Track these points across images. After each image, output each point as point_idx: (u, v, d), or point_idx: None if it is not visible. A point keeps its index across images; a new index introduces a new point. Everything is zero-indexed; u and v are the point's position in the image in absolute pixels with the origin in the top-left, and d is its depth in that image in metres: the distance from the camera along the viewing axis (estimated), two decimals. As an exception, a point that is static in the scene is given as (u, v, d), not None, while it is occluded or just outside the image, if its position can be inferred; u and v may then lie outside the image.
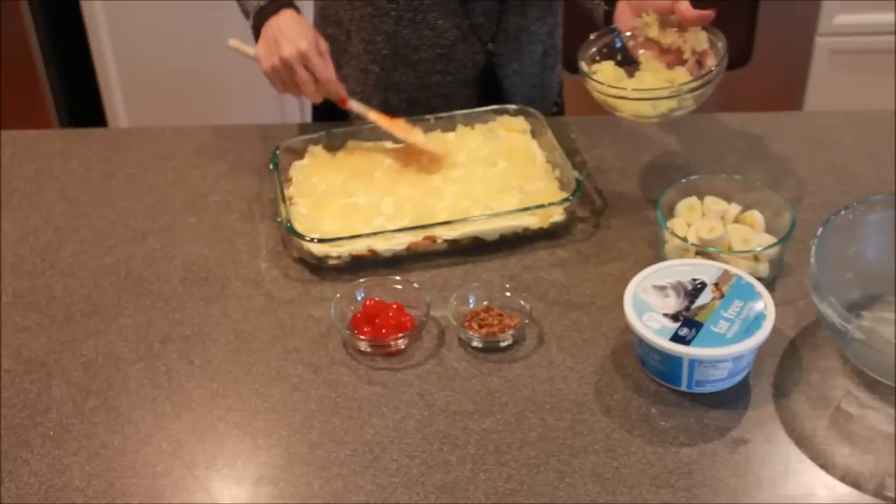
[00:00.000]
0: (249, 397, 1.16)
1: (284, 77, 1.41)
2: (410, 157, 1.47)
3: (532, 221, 1.36)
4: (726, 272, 1.18)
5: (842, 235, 1.21)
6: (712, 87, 1.32)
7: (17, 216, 1.44)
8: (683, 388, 1.14)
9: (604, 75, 1.35)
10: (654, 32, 1.38)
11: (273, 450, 1.10)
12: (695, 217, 1.32)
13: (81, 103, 2.77)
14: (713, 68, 1.31)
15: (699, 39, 1.36)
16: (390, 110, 1.59)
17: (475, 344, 1.21)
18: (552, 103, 1.72)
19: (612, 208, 1.42)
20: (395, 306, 1.23)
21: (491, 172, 1.44)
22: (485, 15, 1.54)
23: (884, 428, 1.10)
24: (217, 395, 1.16)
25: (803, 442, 1.09)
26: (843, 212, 1.22)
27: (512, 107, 1.54)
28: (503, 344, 1.21)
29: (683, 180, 1.35)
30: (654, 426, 1.11)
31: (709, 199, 1.34)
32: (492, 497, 1.04)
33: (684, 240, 1.26)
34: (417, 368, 1.19)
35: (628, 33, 1.39)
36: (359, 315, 1.24)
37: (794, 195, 1.43)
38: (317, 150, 1.49)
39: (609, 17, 1.43)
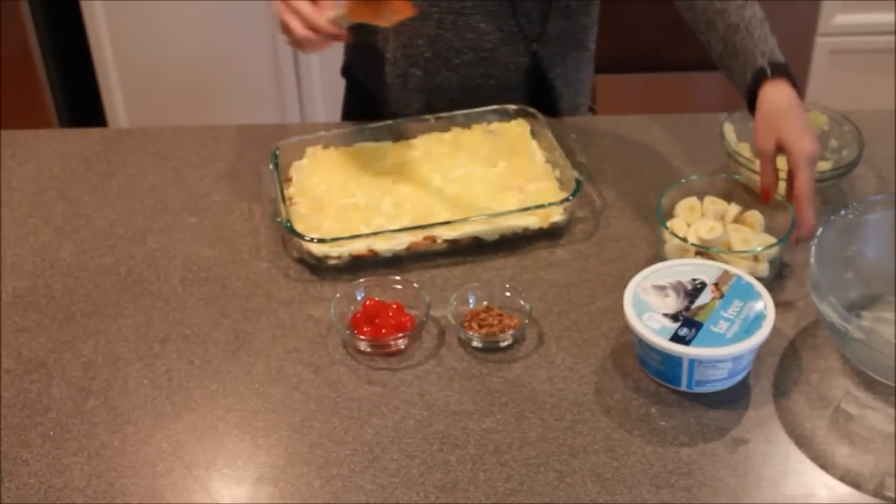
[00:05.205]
0: (249, 397, 1.16)
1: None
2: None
3: (532, 221, 1.36)
4: (726, 272, 1.18)
5: (842, 235, 1.21)
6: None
7: (17, 216, 1.44)
8: (683, 388, 1.14)
9: None
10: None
11: (273, 450, 1.10)
12: (694, 217, 1.32)
13: (81, 103, 2.77)
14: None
15: (819, 122, 1.45)
16: (434, 112, 1.57)
17: (475, 344, 1.21)
18: (588, 108, 1.72)
19: (612, 208, 1.42)
20: (395, 306, 1.23)
21: (491, 172, 1.44)
22: (527, 15, 1.52)
23: (884, 428, 1.11)
24: (217, 395, 1.16)
25: (803, 442, 1.09)
26: (843, 212, 1.22)
27: (512, 107, 1.54)
28: (503, 344, 1.21)
29: (683, 180, 1.35)
30: (654, 426, 1.11)
31: (708, 200, 1.34)
32: (492, 497, 1.04)
33: (684, 240, 1.26)
34: (417, 368, 1.19)
35: None
36: (359, 315, 1.24)
37: (794, 195, 1.43)
38: (317, 150, 1.49)
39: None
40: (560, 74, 1.60)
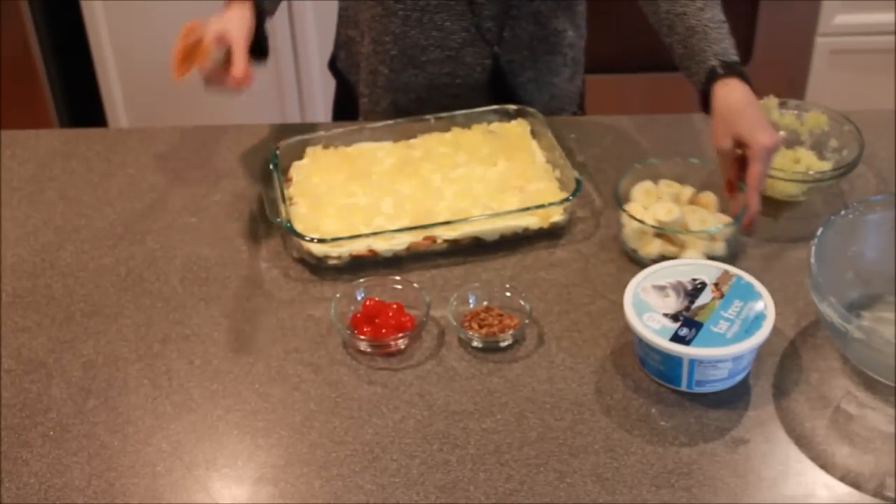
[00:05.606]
0: (249, 397, 1.16)
1: None
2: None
3: (532, 221, 1.36)
4: (726, 272, 1.18)
5: (842, 235, 1.21)
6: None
7: (17, 216, 1.44)
8: (683, 388, 1.14)
9: None
10: (774, 115, 1.45)
11: (273, 450, 1.10)
12: (651, 201, 1.34)
13: (81, 103, 2.77)
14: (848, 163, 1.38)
15: (819, 122, 1.45)
16: (400, 111, 1.58)
17: (475, 344, 1.21)
18: (571, 113, 1.70)
19: (612, 208, 1.42)
20: (395, 306, 1.23)
21: (491, 172, 1.44)
22: (493, 19, 1.52)
23: (884, 428, 1.11)
24: (217, 395, 1.16)
25: (803, 442, 1.09)
26: (843, 212, 1.23)
27: (512, 107, 1.54)
28: (503, 344, 1.21)
29: (638, 165, 1.38)
30: (654, 426, 1.11)
31: (663, 183, 1.37)
32: (492, 497, 1.04)
33: (642, 222, 1.27)
34: (417, 368, 1.19)
35: None
36: (359, 315, 1.24)
37: (794, 195, 1.43)
38: (317, 150, 1.49)
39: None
40: (531, 79, 1.60)
